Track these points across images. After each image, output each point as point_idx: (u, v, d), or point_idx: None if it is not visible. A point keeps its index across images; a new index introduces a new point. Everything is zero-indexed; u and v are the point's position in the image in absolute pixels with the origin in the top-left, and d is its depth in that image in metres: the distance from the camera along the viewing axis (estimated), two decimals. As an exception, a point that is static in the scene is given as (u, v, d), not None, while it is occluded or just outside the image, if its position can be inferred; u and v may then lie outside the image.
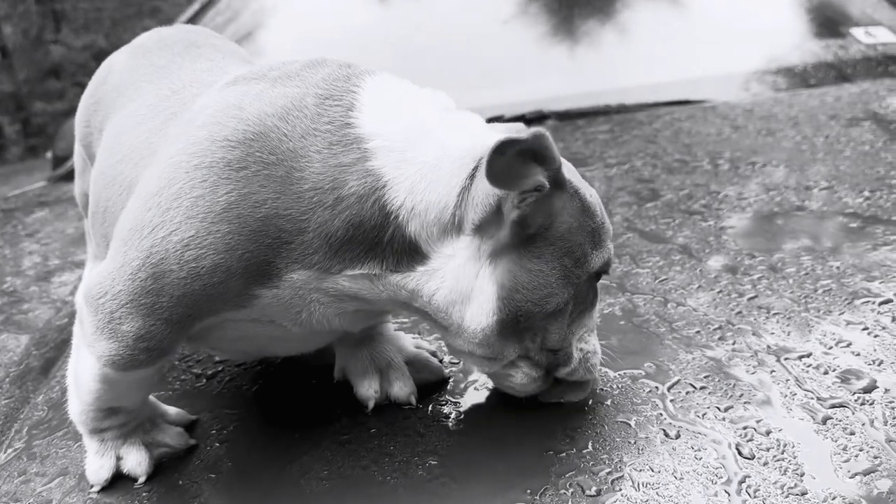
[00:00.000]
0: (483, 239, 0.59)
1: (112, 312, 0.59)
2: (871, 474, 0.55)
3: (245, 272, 0.58)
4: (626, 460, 0.59)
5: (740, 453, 0.58)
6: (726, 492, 0.55)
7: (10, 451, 0.74)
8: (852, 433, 0.59)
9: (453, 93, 0.67)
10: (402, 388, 0.71)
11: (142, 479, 0.66)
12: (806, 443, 0.58)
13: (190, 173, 0.58)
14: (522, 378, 0.63)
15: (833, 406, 0.62)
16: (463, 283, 0.59)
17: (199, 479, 0.65)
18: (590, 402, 0.66)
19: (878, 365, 0.66)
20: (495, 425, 0.65)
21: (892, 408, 0.61)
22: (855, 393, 0.63)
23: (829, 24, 1.96)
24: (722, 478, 0.56)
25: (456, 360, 0.75)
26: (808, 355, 0.68)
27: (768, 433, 0.60)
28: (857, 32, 1.90)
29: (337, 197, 0.58)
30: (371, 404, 0.70)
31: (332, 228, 0.58)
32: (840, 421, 0.60)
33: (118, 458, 0.67)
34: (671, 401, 0.65)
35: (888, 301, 0.75)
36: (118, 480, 0.66)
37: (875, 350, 0.68)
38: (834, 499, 0.53)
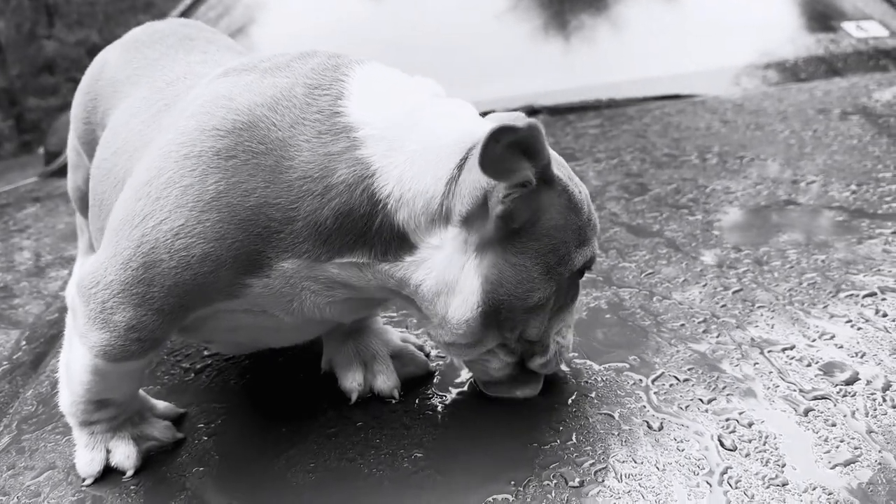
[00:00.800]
0: (470, 231, 0.59)
1: (104, 302, 0.60)
2: (852, 465, 0.55)
3: (235, 261, 0.59)
4: (609, 452, 0.59)
5: (722, 445, 0.59)
6: (708, 483, 0.55)
7: (-2, 445, 0.74)
8: (834, 424, 0.59)
9: (444, 88, 0.67)
10: (385, 382, 0.71)
11: (130, 473, 0.66)
12: (788, 434, 0.59)
13: (179, 162, 0.58)
14: (497, 364, 0.65)
15: (815, 398, 0.62)
16: (449, 275, 0.59)
17: (187, 472, 0.65)
18: (574, 394, 0.67)
19: (861, 357, 0.66)
20: (480, 418, 0.65)
21: (874, 399, 0.61)
22: (837, 385, 0.63)
23: (821, 18, 1.97)
24: (704, 469, 0.56)
25: (442, 355, 0.76)
26: (792, 348, 0.69)
27: (750, 425, 0.60)
28: (849, 27, 1.91)
29: (326, 185, 0.58)
30: (354, 397, 0.71)
31: (321, 217, 0.58)
32: (822, 413, 0.61)
33: (107, 452, 0.67)
34: (655, 393, 0.65)
35: (872, 294, 0.75)
36: (106, 474, 0.67)
37: (858, 343, 0.68)
38: (815, 489, 0.53)
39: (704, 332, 0.73)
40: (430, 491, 0.58)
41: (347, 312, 0.67)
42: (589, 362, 0.70)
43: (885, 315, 0.72)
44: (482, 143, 0.53)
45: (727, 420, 0.61)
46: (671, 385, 0.66)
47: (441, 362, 0.75)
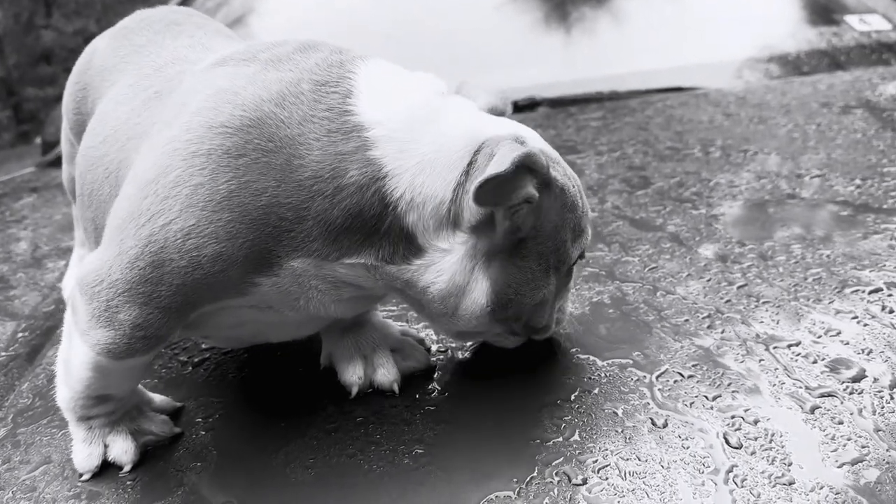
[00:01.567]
0: (479, 238, 0.60)
1: (108, 301, 0.59)
2: (859, 464, 0.54)
3: (246, 261, 0.58)
4: (613, 449, 0.59)
5: (728, 442, 0.58)
6: (713, 481, 0.54)
7: (-6, 438, 0.73)
8: (840, 422, 0.58)
9: (445, 80, 0.67)
10: (385, 375, 0.70)
11: (127, 468, 0.65)
12: (794, 432, 0.58)
13: (188, 160, 0.57)
14: (504, 340, 0.69)
15: (822, 395, 0.61)
16: (458, 279, 0.60)
17: (185, 467, 0.64)
18: (577, 390, 0.66)
19: (867, 354, 0.66)
20: (482, 414, 0.65)
21: (881, 397, 0.61)
22: (844, 382, 0.63)
23: (824, 11, 1.96)
24: (709, 467, 0.56)
25: (443, 350, 0.75)
26: (798, 344, 0.68)
27: (756, 422, 0.59)
28: (852, 20, 1.89)
29: (337, 186, 0.57)
30: (354, 390, 0.70)
31: (332, 217, 0.58)
32: (828, 410, 0.60)
33: (105, 446, 0.67)
34: (659, 390, 0.64)
35: (878, 290, 0.75)
36: (103, 469, 0.66)
37: (864, 339, 0.68)
38: (821, 488, 0.53)
39: (709, 327, 0.72)
40: (430, 488, 0.57)
41: (351, 309, 0.67)
42: (592, 358, 0.70)
43: (891, 311, 0.71)
44: (473, 194, 0.55)
45: (732, 417, 0.60)
46: (675, 381, 0.65)
47: (442, 357, 0.74)
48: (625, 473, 0.56)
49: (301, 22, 1.89)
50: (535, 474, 0.57)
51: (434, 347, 0.75)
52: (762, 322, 0.72)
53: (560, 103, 1.56)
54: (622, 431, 0.60)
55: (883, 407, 0.59)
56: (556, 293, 0.66)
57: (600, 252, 0.89)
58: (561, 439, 0.60)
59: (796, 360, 0.66)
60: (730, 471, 0.55)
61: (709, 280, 0.80)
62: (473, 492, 0.56)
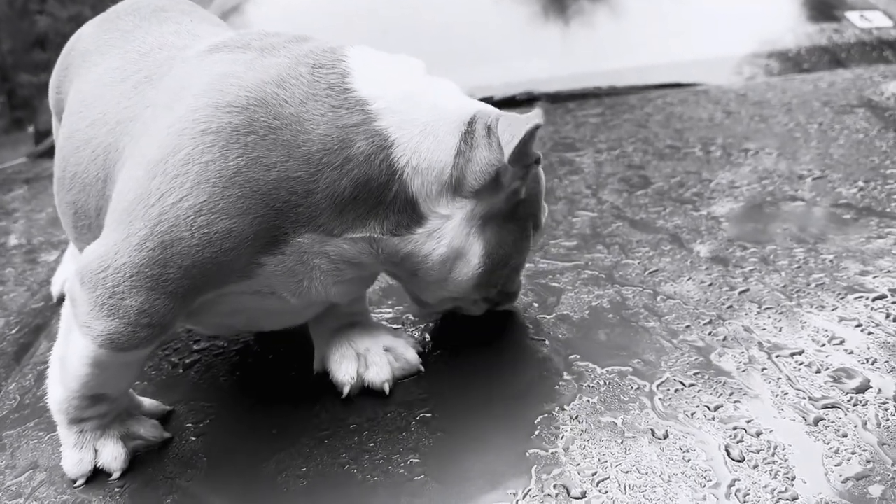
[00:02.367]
0: (479, 202, 0.64)
1: (114, 287, 0.58)
2: (864, 479, 0.53)
3: (255, 238, 0.59)
4: (612, 461, 0.57)
5: (730, 455, 0.57)
6: (715, 496, 0.53)
7: (-21, 441, 0.72)
8: (844, 435, 0.57)
9: (442, 73, 0.68)
10: (378, 374, 0.70)
11: (116, 475, 0.64)
12: (797, 445, 0.57)
13: (196, 139, 0.58)
14: (475, 308, 0.75)
15: (825, 406, 0.60)
16: (456, 243, 0.64)
17: (174, 474, 0.63)
18: (576, 399, 0.64)
19: (872, 364, 0.64)
20: (478, 423, 0.63)
21: (886, 409, 0.59)
22: (847, 393, 0.61)
23: (824, 7, 1.94)
24: (711, 481, 0.54)
25: (439, 354, 0.73)
26: (801, 353, 0.67)
27: (759, 434, 0.58)
28: (853, 16, 1.88)
29: (346, 157, 0.60)
30: (346, 390, 0.69)
31: (340, 188, 0.60)
32: (832, 422, 0.59)
33: (95, 452, 0.65)
34: (659, 399, 0.63)
35: (882, 297, 0.73)
36: (92, 474, 0.64)
37: (868, 348, 0.66)
38: (825, 504, 0.51)
39: (710, 334, 0.71)
40: (425, 499, 0.56)
41: (349, 293, 0.68)
42: (591, 365, 0.68)
43: (895, 320, 0.70)
44: (517, 145, 0.60)
45: (734, 429, 0.59)
46: (676, 391, 0.64)
47: (436, 361, 0.72)
48: (625, 487, 0.55)
49: (297, 11, 1.86)
50: (532, 486, 0.56)
51: (426, 350, 0.74)
52: (764, 329, 0.71)
53: (558, 98, 1.55)
54: (622, 443, 0.59)
55: (888, 420, 0.58)
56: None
57: (599, 254, 0.88)
58: (559, 450, 0.59)
59: (799, 370, 0.65)
60: (732, 485, 0.54)
61: (710, 285, 0.79)
62: (469, 504, 0.55)
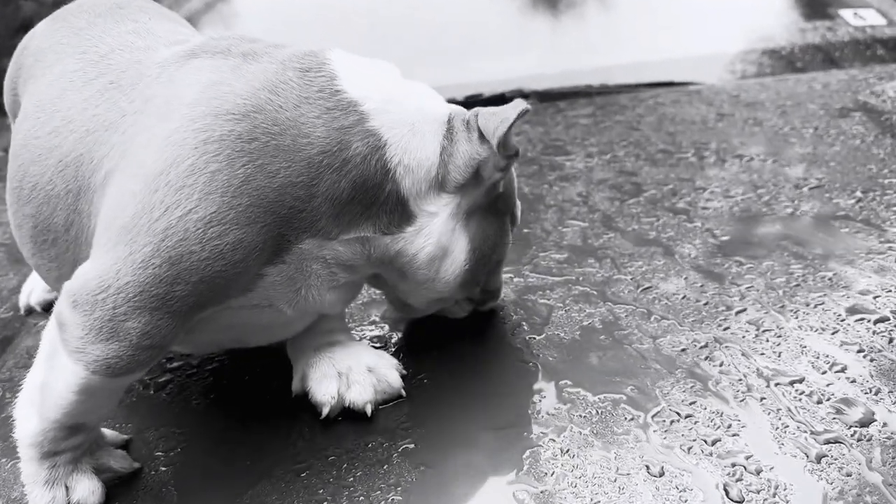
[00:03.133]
0: (462, 197, 0.65)
1: (115, 308, 0.54)
2: (870, 524, 0.51)
3: (262, 247, 0.58)
4: (605, 501, 0.54)
5: (728, 495, 0.54)
6: (714, 542, 0.50)
7: (-63, 468, 0.68)
8: (849, 475, 0.54)
9: (430, 70, 0.67)
10: (360, 394, 0.66)
11: None
12: (799, 485, 0.54)
13: (199, 148, 0.56)
14: (458, 310, 0.76)
15: (828, 441, 0.57)
16: (444, 240, 0.65)
17: (142, 508, 0.60)
18: (567, 429, 0.61)
19: (875, 394, 0.62)
20: (462, 458, 0.60)
21: (892, 445, 0.56)
22: (851, 426, 0.59)
23: (817, 5, 1.91)
24: (709, 525, 0.51)
25: (422, 379, 0.70)
26: (801, 380, 0.64)
27: (759, 472, 0.55)
28: (846, 14, 1.85)
29: (344, 158, 0.60)
30: (325, 410, 0.66)
31: (339, 190, 0.60)
32: (836, 459, 0.56)
33: (66, 489, 0.61)
34: (654, 431, 0.60)
35: (884, 319, 0.70)
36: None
37: (871, 376, 0.64)
38: (830, 552, 0.49)
39: (707, 358, 0.68)
40: (407, 542, 0.53)
41: (340, 300, 0.67)
42: (583, 392, 0.65)
43: (899, 345, 0.67)
44: (510, 125, 0.62)
45: (733, 466, 0.56)
46: (672, 422, 0.61)
47: (423, 388, 0.69)
48: (618, 531, 0.52)
49: (277, 7, 1.82)
50: (520, 529, 0.53)
51: (410, 373, 0.70)
52: (763, 354, 0.68)
53: (548, 97, 1.51)
54: (615, 480, 0.56)
55: (894, 458, 0.55)
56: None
57: (591, 268, 0.85)
58: (549, 488, 0.56)
59: (800, 399, 0.62)
60: (731, 530, 0.51)
61: (705, 304, 0.76)
62: (454, 550, 0.52)
